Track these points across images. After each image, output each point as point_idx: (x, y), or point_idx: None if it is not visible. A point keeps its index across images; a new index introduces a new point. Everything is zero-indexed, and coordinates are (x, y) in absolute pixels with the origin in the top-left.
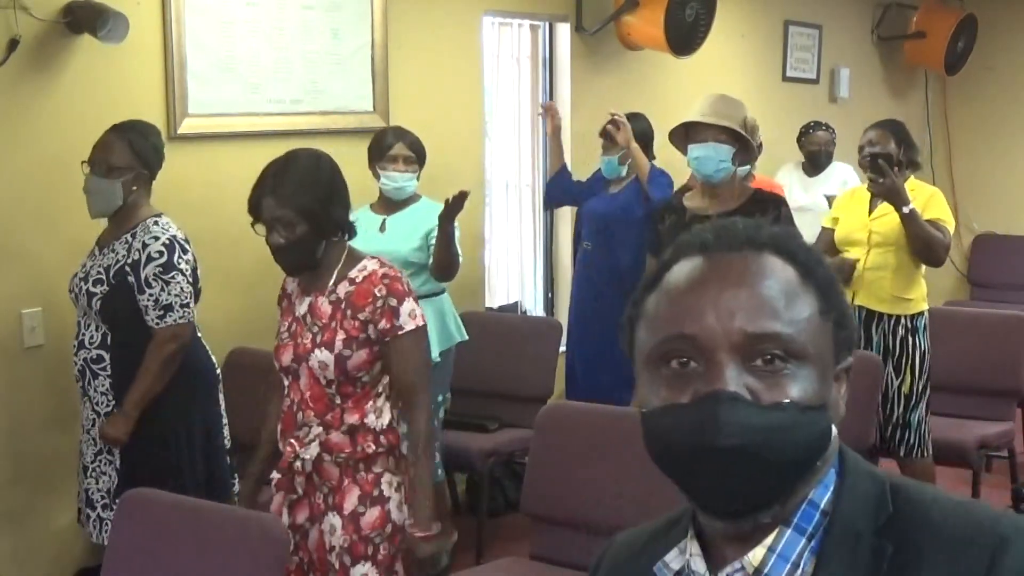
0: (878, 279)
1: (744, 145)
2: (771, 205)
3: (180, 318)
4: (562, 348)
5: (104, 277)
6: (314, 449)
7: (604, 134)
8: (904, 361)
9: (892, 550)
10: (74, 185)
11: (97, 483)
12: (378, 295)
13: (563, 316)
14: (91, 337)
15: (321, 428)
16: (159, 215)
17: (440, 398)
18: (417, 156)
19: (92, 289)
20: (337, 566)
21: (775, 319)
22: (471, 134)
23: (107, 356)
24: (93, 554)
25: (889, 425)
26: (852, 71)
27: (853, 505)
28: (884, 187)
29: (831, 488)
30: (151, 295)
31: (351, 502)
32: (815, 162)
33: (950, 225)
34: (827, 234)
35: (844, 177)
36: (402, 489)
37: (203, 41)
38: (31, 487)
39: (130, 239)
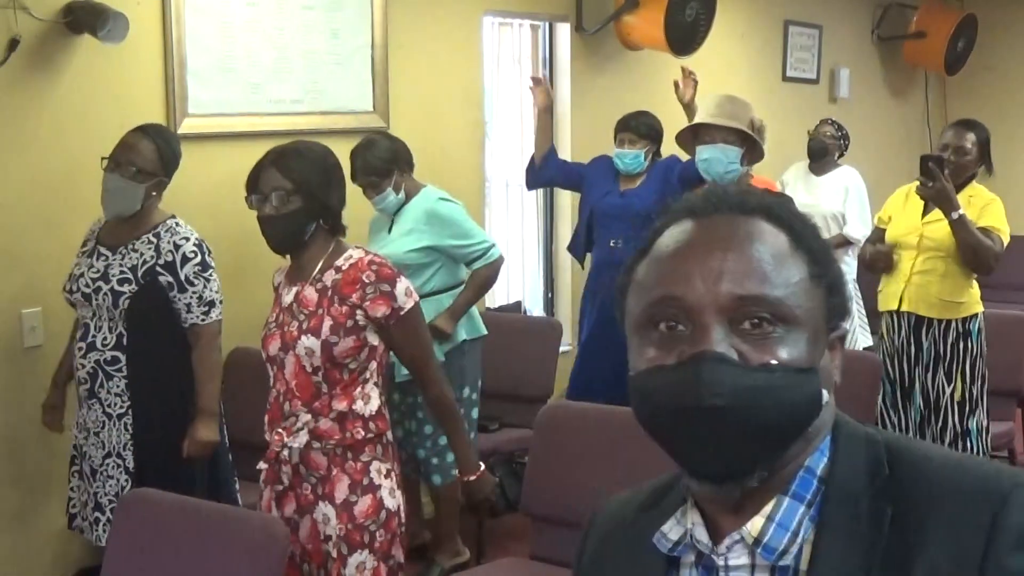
0: (925, 283)
1: (752, 146)
2: None
3: (219, 314)
4: (563, 348)
5: (132, 277)
6: (303, 437)
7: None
8: (956, 367)
9: (892, 513)
10: (75, 185)
11: (105, 487)
12: (367, 280)
13: (563, 316)
14: (104, 338)
15: (309, 416)
16: (174, 216)
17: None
18: (380, 174)
19: (118, 288)
20: (335, 555)
21: (763, 282)
22: (471, 134)
23: (123, 357)
24: (93, 554)
25: (945, 436)
26: (852, 71)
27: (849, 469)
28: (933, 191)
29: (827, 454)
30: (195, 292)
31: (342, 491)
32: (813, 154)
33: (1004, 234)
34: (879, 232)
35: (846, 183)
36: (392, 476)
37: (203, 41)
38: (31, 487)
39: (155, 240)
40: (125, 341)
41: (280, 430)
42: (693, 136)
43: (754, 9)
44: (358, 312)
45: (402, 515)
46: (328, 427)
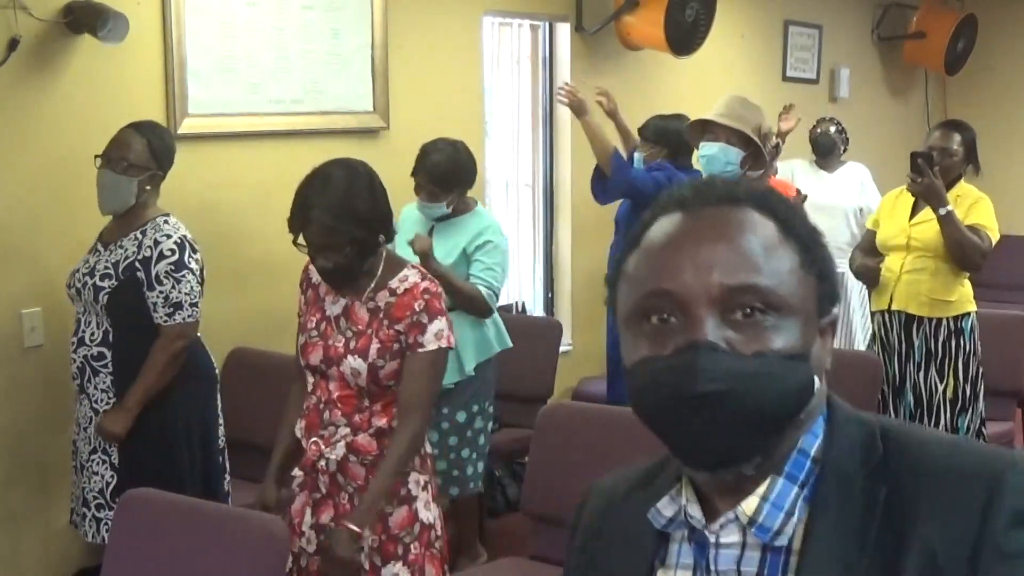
0: (915, 282)
1: (756, 151)
2: None
3: (188, 316)
4: (563, 348)
5: (112, 272)
6: (340, 449)
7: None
8: (948, 364)
9: (886, 492)
10: (74, 185)
11: (91, 482)
12: (416, 309)
13: (563, 316)
14: (92, 334)
15: (348, 429)
16: (167, 215)
17: (475, 408)
18: (441, 187)
19: (99, 284)
20: (367, 566)
21: (754, 271)
22: (471, 134)
23: (109, 353)
24: (93, 554)
25: None
26: (852, 71)
27: (843, 451)
28: (922, 186)
29: (820, 436)
30: (161, 292)
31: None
32: (822, 150)
33: (993, 232)
34: (870, 235)
35: (861, 178)
36: (429, 488)
37: (203, 41)
38: (30, 487)
39: (140, 236)
40: (111, 337)
41: (317, 439)
42: (700, 133)
43: (754, 9)
44: (402, 337)
45: (438, 529)
46: (366, 442)
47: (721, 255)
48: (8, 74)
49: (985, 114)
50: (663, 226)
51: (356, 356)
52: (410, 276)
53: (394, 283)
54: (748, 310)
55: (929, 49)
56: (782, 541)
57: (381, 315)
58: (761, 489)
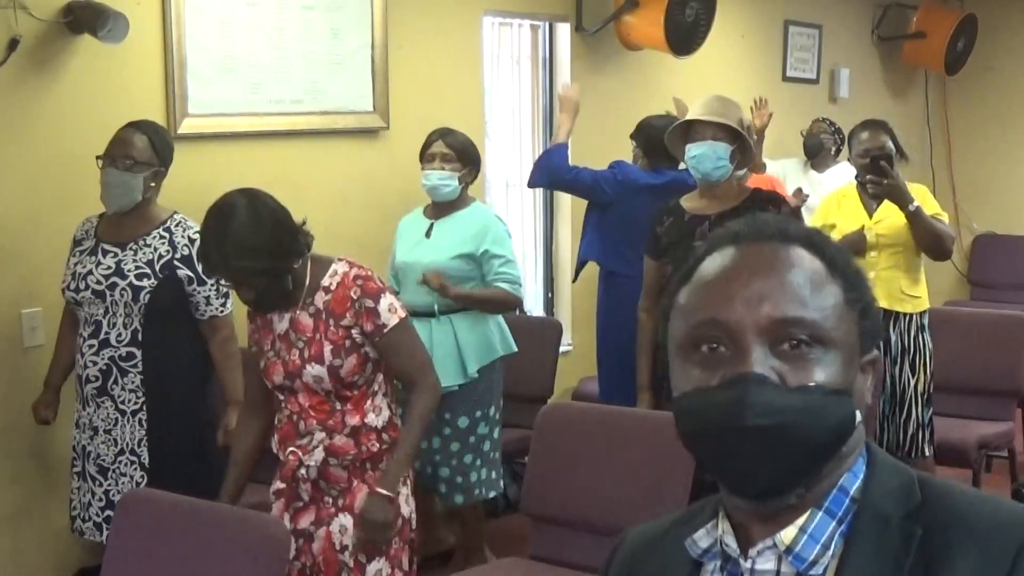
0: (893, 278)
1: (742, 145)
2: (770, 204)
3: (232, 304)
4: (563, 348)
5: (149, 271)
6: (319, 454)
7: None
8: (918, 359)
9: (921, 533)
10: (75, 185)
11: (118, 484)
12: (354, 297)
13: (563, 316)
14: (119, 334)
15: (324, 433)
16: (177, 212)
17: (478, 413)
18: (459, 155)
19: (137, 283)
20: (352, 564)
21: (801, 305)
22: (471, 134)
23: (139, 352)
24: (93, 554)
25: (909, 426)
26: (852, 71)
27: (882, 493)
28: (888, 187)
29: (860, 477)
30: (213, 285)
31: (361, 500)
32: (809, 152)
33: (947, 219)
34: None
35: (848, 177)
36: (407, 483)
37: (203, 41)
38: (31, 487)
39: (167, 234)
40: (140, 336)
41: (295, 449)
42: (683, 137)
43: (754, 9)
44: (354, 331)
45: (413, 523)
46: (343, 443)
47: (771, 289)
48: (8, 74)
49: (985, 114)
50: (716, 260)
51: (314, 363)
52: (339, 269)
53: (326, 281)
54: (795, 342)
55: (929, 49)
56: (816, 571)
57: (324, 316)
58: (800, 520)
